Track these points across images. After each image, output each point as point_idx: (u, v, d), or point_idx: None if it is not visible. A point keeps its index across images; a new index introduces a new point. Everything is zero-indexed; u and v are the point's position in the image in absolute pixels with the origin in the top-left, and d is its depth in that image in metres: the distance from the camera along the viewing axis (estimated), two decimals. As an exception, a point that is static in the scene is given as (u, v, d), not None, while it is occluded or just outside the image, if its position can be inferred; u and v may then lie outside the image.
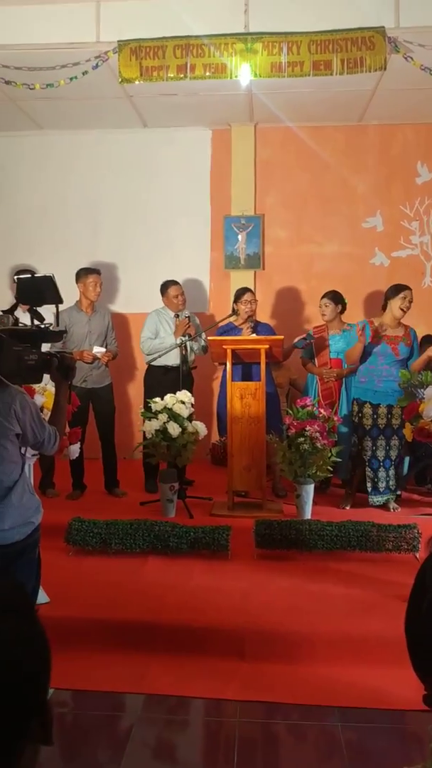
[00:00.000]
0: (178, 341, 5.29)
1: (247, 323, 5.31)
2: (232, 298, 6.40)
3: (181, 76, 4.67)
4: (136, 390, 6.28)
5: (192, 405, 4.80)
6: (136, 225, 6.58)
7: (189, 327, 5.36)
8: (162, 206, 6.56)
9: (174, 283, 5.61)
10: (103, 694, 3.02)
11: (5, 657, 0.74)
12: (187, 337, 5.30)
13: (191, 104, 5.82)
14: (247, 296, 5.39)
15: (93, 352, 5.20)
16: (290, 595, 3.69)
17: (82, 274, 5.35)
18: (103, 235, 6.61)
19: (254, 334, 5.21)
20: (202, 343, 5.51)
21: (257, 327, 5.36)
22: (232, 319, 5.43)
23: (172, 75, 4.67)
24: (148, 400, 4.87)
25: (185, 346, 5.31)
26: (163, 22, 4.73)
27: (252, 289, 5.76)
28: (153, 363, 5.46)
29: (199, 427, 4.73)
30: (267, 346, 4.84)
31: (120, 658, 3.24)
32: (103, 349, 5.26)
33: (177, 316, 5.49)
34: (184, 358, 5.30)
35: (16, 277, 2.65)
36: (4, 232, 6.70)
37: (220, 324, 5.53)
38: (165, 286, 5.60)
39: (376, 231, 6.48)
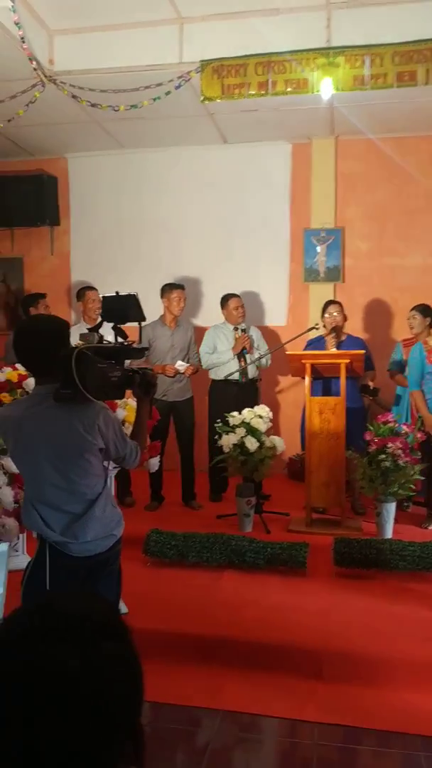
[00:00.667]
0: (257, 356, 5.30)
1: (331, 335, 5.26)
2: (310, 311, 6.41)
3: (263, 92, 4.70)
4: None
5: (270, 420, 4.79)
6: (216, 239, 6.65)
7: (246, 341, 5.38)
8: (242, 220, 6.61)
9: (233, 295, 5.67)
10: (179, 708, 3.03)
11: (106, 682, 0.76)
12: (245, 351, 5.37)
13: (271, 120, 5.84)
14: (330, 308, 5.35)
15: (175, 366, 5.28)
16: (370, 616, 3.61)
17: (166, 290, 5.46)
18: (185, 250, 6.71)
19: (335, 348, 5.14)
20: (259, 354, 5.50)
21: (346, 340, 5.30)
22: (321, 332, 5.38)
23: (253, 92, 4.71)
24: (226, 414, 4.89)
25: (244, 359, 5.37)
26: (245, 40, 4.77)
27: (338, 301, 5.64)
28: (215, 377, 5.53)
29: (277, 442, 4.71)
30: (347, 361, 4.77)
31: (197, 672, 3.25)
32: (186, 364, 5.32)
33: (236, 329, 5.52)
34: (243, 371, 5.34)
35: (101, 295, 2.72)
36: (90, 249, 6.92)
37: (307, 338, 5.50)
38: (225, 299, 5.66)
39: (462, 243, 6.30)
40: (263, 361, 5.51)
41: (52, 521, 2.46)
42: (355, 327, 6.38)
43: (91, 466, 2.47)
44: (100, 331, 2.58)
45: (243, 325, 5.53)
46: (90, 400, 2.35)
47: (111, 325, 2.69)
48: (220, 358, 5.45)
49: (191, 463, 5.50)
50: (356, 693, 3.08)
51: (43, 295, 5.82)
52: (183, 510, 5.40)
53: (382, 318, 6.44)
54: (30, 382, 4.12)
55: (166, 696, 3.03)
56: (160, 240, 6.75)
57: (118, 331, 2.67)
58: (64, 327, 2.48)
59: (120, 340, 2.63)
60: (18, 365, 4.28)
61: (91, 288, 5.90)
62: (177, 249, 6.72)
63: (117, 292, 2.66)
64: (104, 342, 2.54)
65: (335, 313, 5.31)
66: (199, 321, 6.56)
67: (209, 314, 6.60)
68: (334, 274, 6.44)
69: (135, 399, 2.79)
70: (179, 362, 5.29)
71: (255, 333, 5.64)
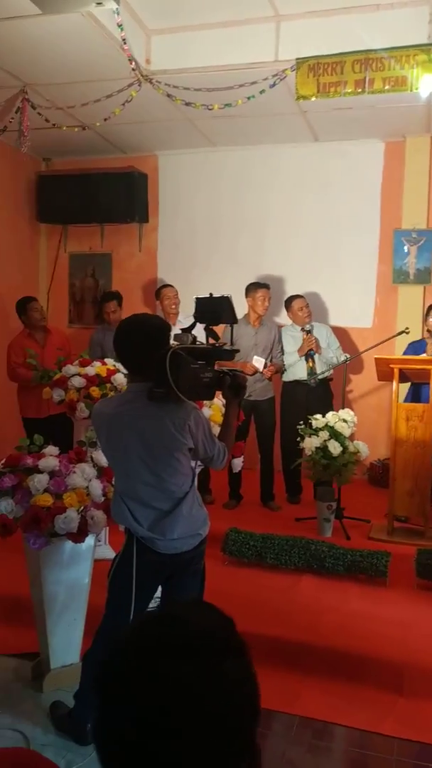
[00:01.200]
0: (330, 355, 5.23)
1: (430, 339, 5.15)
2: (398, 313, 6.26)
3: (359, 90, 4.60)
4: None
5: (354, 424, 4.71)
6: (303, 238, 6.58)
7: (312, 343, 5.35)
8: (330, 219, 6.51)
9: (297, 296, 5.64)
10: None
11: (226, 699, 0.75)
12: (312, 352, 5.36)
13: (365, 117, 5.72)
14: None
15: (252, 362, 5.26)
16: (453, 632, 3.50)
17: (251, 289, 5.45)
18: (270, 248, 6.67)
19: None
20: (333, 354, 5.44)
21: None
22: (413, 336, 5.27)
23: (349, 90, 4.61)
24: (309, 417, 4.84)
25: (312, 360, 5.36)
26: (342, 37, 4.68)
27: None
28: (285, 379, 5.53)
29: (361, 447, 4.62)
30: (437, 367, 4.64)
31: (272, 675, 3.22)
32: (263, 360, 5.31)
33: (303, 329, 5.46)
34: (312, 373, 5.34)
35: (195, 297, 2.74)
36: (177, 247, 6.98)
37: (409, 342, 5.38)
38: (289, 301, 5.65)
39: None
40: (335, 359, 5.43)
41: (140, 516, 2.51)
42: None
43: (180, 464, 2.50)
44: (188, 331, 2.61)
45: (308, 326, 5.48)
46: (182, 400, 2.38)
47: (203, 326, 2.71)
48: (287, 360, 5.44)
49: (271, 464, 5.48)
50: (438, 710, 3.00)
51: (113, 297, 5.92)
52: (261, 510, 5.38)
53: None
54: (118, 377, 4.21)
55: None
56: (247, 238, 6.74)
57: (210, 333, 2.68)
58: (163, 328, 2.51)
59: (212, 341, 2.65)
60: (107, 360, 4.39)
61: (167, 285, 5.98)
62: (262, 247, 6.69)
63: (211, 294, 2.68)
64: (197, 343, 2.56)
65: None
66: (283, 320, 6.51)
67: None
68: (425, 276, 6.26)
69: (224, 399, 2.80)
70: (256, 357, 5.27)
71: (323, 331, 5.59)
